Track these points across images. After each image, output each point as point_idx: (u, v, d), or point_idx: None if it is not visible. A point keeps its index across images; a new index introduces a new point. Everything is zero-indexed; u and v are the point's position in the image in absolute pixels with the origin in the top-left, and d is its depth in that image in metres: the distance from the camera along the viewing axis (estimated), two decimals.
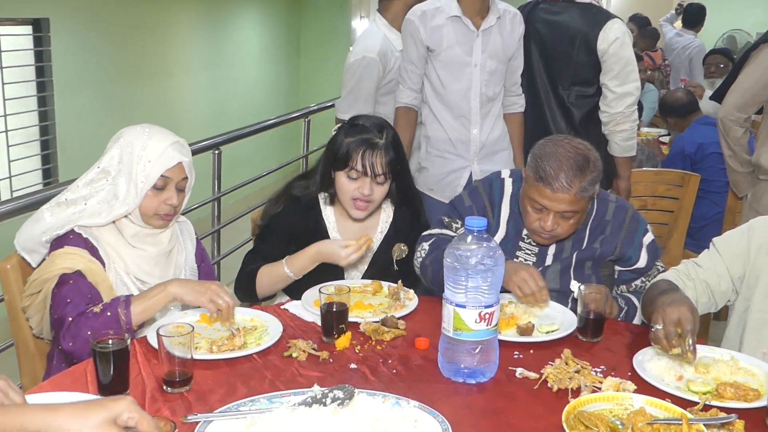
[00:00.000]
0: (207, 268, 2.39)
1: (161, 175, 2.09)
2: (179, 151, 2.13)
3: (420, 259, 2.43)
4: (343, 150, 2.44)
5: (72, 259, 2.02)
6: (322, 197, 2.59)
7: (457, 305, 1.78)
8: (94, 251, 2.07)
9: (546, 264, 2.36)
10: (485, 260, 1.75)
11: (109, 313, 1.92)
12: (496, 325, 1.81)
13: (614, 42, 3.30)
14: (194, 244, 2.35)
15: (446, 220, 2.49)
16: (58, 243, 2.06)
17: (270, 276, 2.46)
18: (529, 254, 2.37)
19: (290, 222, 2.54)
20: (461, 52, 3.21)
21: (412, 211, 2.65)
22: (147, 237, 2.17)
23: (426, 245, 2.43)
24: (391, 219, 2.63)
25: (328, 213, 2.59)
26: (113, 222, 2.12)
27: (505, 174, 2.47)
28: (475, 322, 1.77)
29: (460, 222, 2.45)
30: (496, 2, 3.27)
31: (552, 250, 2.36)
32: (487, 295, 1.77)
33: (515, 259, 2.38)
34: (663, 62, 7.67)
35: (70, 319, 1.92)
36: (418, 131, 3.44)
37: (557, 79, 3.44)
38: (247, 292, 2.51)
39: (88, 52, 5.85)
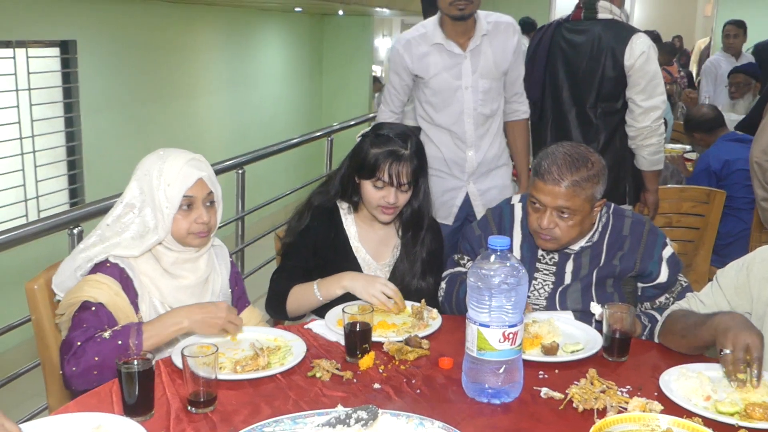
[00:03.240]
0: (240, 292, 2.39)
1: (184, 196, 2.08)
2: (196, 167, 2.11)
3: (439, 298, 2.49)
4: (369, 160, 2.46)
5: (99, 288, 2.01)
6: (343, 207, 2.60)
7: (480, 325, 1.77)
8: (127, 282, 2.06)
9: (566, 283, 2.35)
10: (509, 279, 1.75)
11: (120, 341, 1.90)
12: (520, 344, 1.80)
13: (640, 56, 3.30)
14: (228, 269, 2.33)
15: (456, 257, 2.54)
16: (94, 269, 2.06)
17: (300, 298, 2.46)
18: (547, 274, 2.37)
19: (314, 235, 2.55)
20: (450, 77, 3.16)
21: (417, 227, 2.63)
22: (186, 263, 2.16)
23: (443, 284, 2.51)
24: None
25: (349, 223, 2.59)
26: (150, 251, 2.11)
27: (515, 200, 2.50)
28: (499, 341, 1.76)
29: (467, 258, 2.50)
30: (482, 19, 3.16)
31: (569, 267, 2.35)
32: (510, 314, 1.76)
33: (534, 281, 2.37)
34: (679, 74, 7.62)
35: (79, 343, 1.89)
36: None
37: (583, 97, 3.44)
38: (278, 312, 2.52)
39: (114, 74, 5.93)
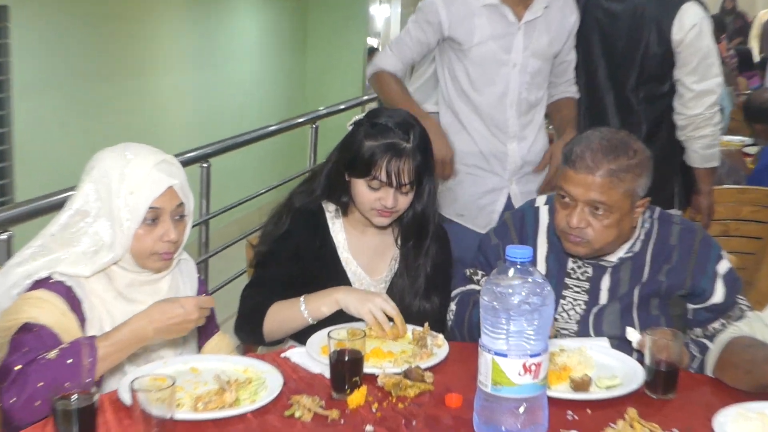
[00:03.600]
0: (209, 314, 2.38)
1: (149, 207, 2.07)
2: (167, 173, 2.10)
3: (449, 323, 2.50)
4: (364, 155, 2.45)
5: (41, 307, 2.00)
6: (330, 210, 2.60)
7: (496, 354, 1.75)
8: (74, 303, 2.05)
9: (601, 303, 2.35)
10: (531, 298, 1.74)
11: (70, 360, 1.88)
12: (544, 378, 1.79)
13: (691, 30, 3.30)
14: (195, 289, 2.33)
15: (468, 272, 2.53)
16: (35, 285, 2.05)
17: (282, 317, 2.45)
18: (578, 292, 2.37)
19: (295, 241, 2.55)
20: (498, 48, 3.16)
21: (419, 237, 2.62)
22: (143, 286, 2.16)
23: (453, 306, 2.51)
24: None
25: (337, 229, 2.60)
26: (102, 270, 2.10)
27: (540, 201, 2.49)
28: (519, 374, 1.75)
29: (480, 273, 2.50)
30: None
31: (606, 283, 2.35)
32: (533, 341, 1.74)
33: (562, 301, 2.36)
34: (728, 53, 7.65)
35: (18, 367, 1.87)
36: None
37: (622, 78, 3.44)
38: (252, 334, 2.51)
39: (54, 47, 5.92)
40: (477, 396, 1.83)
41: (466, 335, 2.43)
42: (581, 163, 2.19)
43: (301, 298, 2.43)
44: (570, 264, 2.37)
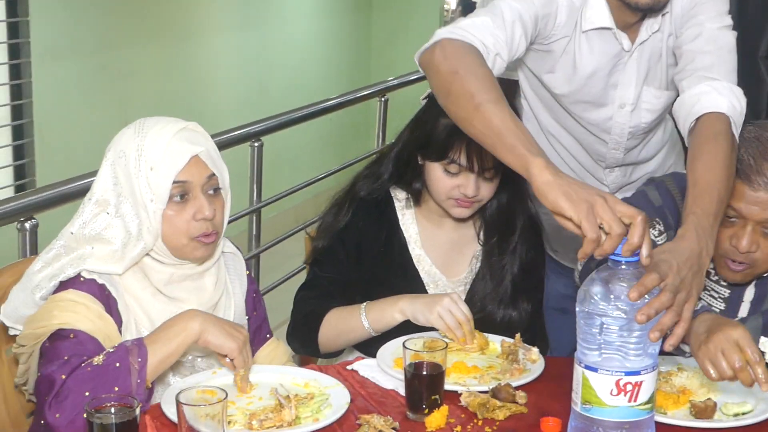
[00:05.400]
0: (259, 319, 2.41)
1: (174, 182, 2.07)
2: (189, 141, 2.11)
3: (576, 275, 2.44)
4: (440, 134, 2.46)
5: (74, 311, 2.02)
6: (400, 199, 2.62)
7: (587, 367, 1.77)
8: (109, 303, 2.08)
9: (740, 316, 2.33)
10: (632, 305, 1.73)
11: (118, 364, 1.92)
12: (648, 402, 1.78)
13: None
14: (245, 288, 2.36)
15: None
16: (63, 286, 2.07)
17: (340, 326, 2.48)
18: (715, 297, 2.34)
19: (358, 236, 2.57)
20: (605, 79, 2.67)
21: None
22: (185, 281, 2.18)
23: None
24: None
25: (408, 220, 2.62)
26: (136, 264, 2.13)
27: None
28: (611, 393, 1.75)
29: (662, 224, 2.31)
30: None
31: (749, 295, 2.33)
32: (632, 356, 1.75)
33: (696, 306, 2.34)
34: None
35: (63, 377, 1.91)
36: None
37: (751, 42, 3.39)
38: (306, 344, 2.55)
39: (80, 4, 6.00)
40: (571, 417, 1.84)
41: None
42: (759, 178, 2.13)
43: (362, 306, 2.45)
44: (712, 262, 2.33)
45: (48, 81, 5.74)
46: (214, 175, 2.14)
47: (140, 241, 2.08)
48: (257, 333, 2.39)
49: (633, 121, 2.71)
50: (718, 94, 2.29)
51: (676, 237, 1.97)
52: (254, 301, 2.39)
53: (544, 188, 1.85)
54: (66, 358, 1.95)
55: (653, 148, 2.89)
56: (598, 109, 2.70)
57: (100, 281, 2.08)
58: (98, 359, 1.94)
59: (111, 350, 1.97)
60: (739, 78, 3.32)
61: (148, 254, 2.12)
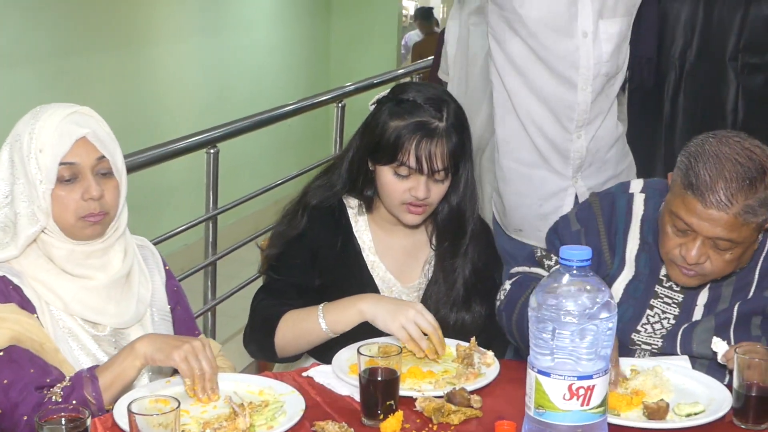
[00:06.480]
0: (184, 313, 2.41)
1: (61, 163, 2.10)
2: (77, 123, 2.14)
3: (497, 303, 2.45)
4: (389, 137, 2.46)
5: None
6: (353, 206, 2.62)
7: (539, 372, 1.77)
8: (17, 293, 2.08)
9: (694, 319, 2.35)
10: (583, 310, 1.74)
11: (75, 401, 1.91)
12: (600, 406, 1.78)
13: None
14: (163, 279, 2.37)
15: (538, 253, 2.49)
16: None
17: (297, 328, 2.46)
18: (669, 304, 2.35)
19: (312, 244, 2.57)
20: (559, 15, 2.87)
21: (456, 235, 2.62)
22: (89, 259, 2.18)
23: (507, 285, 2.46)
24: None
25: (361, 227, 2.61)
26: (34, 244, 2.13)
27: (636, 187, 2.44)
28: (564, 398, 1.76)
29: (554, 259, 2.43)
30: None
31: (703, 299, 2.34)
32: (584, 360, 1.75)
33: (649, 311, 2.35)
34: None
35: (25, 418, 1.91)
36: (481, 131, 3.20)
37: (716, 46, 3.38)
38: (263, 348, 2.53)
39: (35, 14, 5.96)
40: (524, 421, 1.84)
41: (514, 325, 2.38)
42: (712, 196, 2.10)
43: (320, 307, 2.44)
44: (664, 270, 2.35)
45: (4, 88, 5.70)
46: (104, 157, 2.17)
47: (33, 220, 2.10)
48: (186, 331, 2.38)
49: (596, 51, 2.88)
50: None
51: None
52: (176, 294, 2.40)
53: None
54: (9, 387, 1.95)
55: (609, 133, 3.03)
56: (564, 39, 2.88)
57: (0, 273, 2.08)
58: (57, 395, 1.94)
59: (68, 384, 1.97)
60: (706, 81, 3.37)
61: (45, 233, 2.13)
